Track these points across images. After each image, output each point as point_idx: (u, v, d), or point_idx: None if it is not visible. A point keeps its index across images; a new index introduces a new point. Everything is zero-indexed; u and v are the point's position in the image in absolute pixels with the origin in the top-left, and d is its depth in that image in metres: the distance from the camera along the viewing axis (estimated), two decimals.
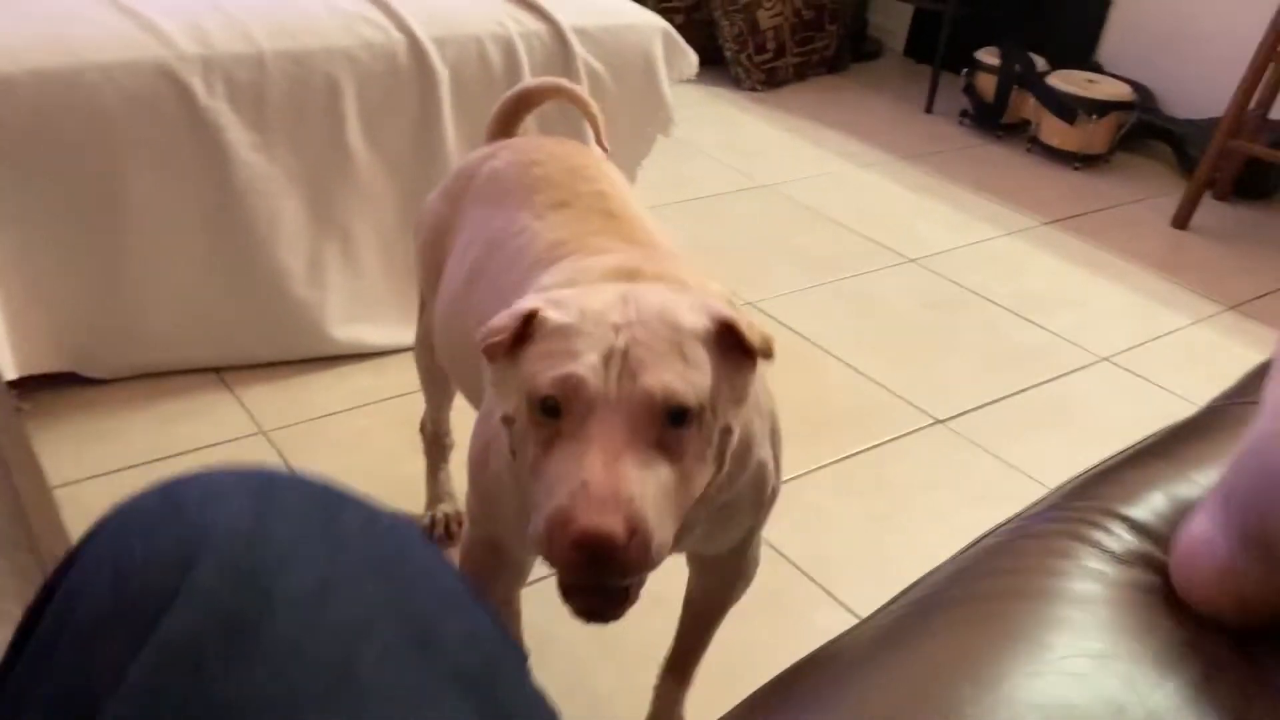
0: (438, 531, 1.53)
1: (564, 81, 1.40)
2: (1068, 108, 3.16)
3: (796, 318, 2.21)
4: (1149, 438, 0.96)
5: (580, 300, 0.78)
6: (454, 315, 1.18)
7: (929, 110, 3.56)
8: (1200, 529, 0.72)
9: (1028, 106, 3.30)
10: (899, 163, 3.12)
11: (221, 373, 1.82)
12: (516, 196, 1.18)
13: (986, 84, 3.36)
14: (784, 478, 1.03)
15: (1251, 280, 2.62)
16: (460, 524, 1.55)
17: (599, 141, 1.36)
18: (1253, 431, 0.71)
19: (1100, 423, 1.98)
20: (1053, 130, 3.22)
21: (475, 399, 1.19)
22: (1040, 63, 3.34)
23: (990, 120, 3.38)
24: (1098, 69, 3.51)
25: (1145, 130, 3.33)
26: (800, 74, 3.73)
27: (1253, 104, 2.81)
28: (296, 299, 1.81)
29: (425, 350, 1.42)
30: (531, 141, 1.28)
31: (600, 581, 0.73)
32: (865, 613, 0.77)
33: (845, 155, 3.13)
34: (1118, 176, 3.21)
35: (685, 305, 0.79)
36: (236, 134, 1.68)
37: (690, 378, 0.75)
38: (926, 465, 1.81)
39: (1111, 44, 3.54)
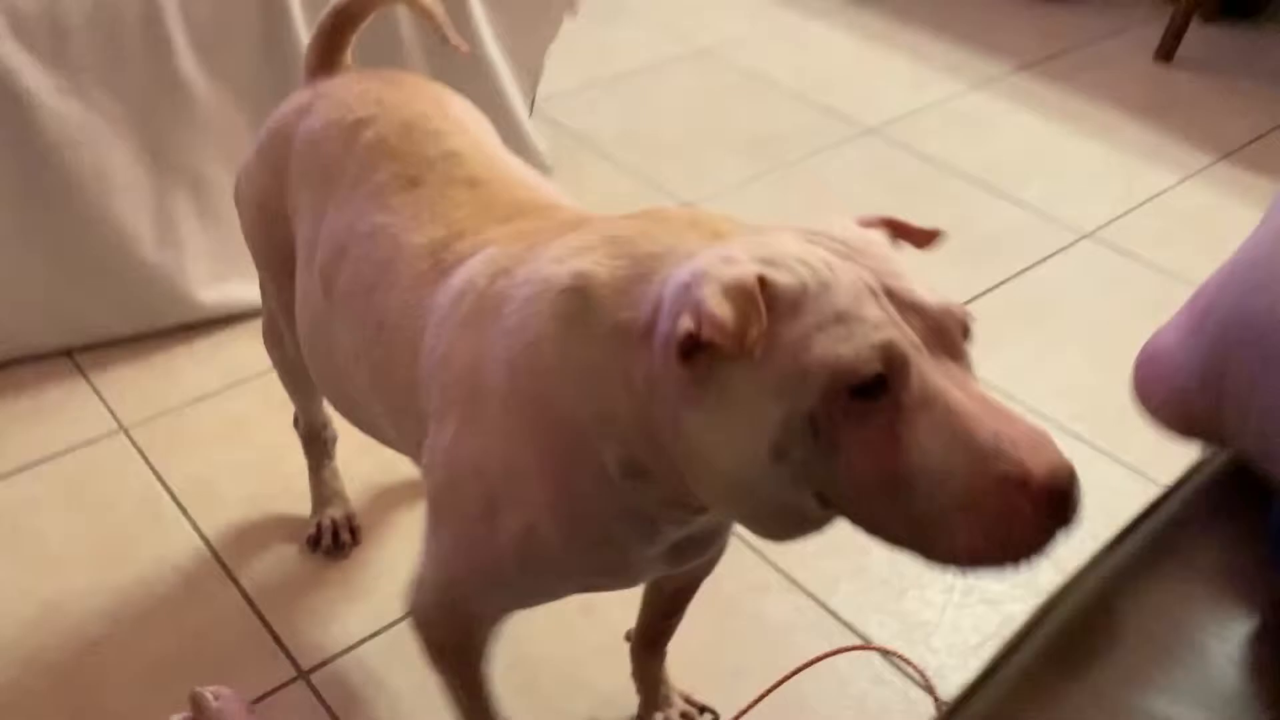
0: (324, 542, 1.31)
1: None
2: None
3: (744, 216, 1.95)
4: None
5: (775, 251, 0.63)
6: (320, 339, 0.96)
7: None
8: (1169, 339, 0.71)
9: None
10: (849, 8, 2.78)
11: (75, 356, 1.57)
12: (349, 177, 0.93)
13: None
14: None
15: (1244, 122, 2.35)
16: (353, 528, 1.34)
17: (446, 39, 1.08)
18: (1251, 245, 0.68)
19: (1083, 316, 1.75)
20: None
21: (373, 429, 0.98)
22: None
23: None
24: None
25: None
26: None
27: None
28: (146, 262, 1.54)
29: (277, 344, 1.18)
30: (351, 84, 1.00)
31: (1066, 524, 0.58)
32: None
33: (790, 3, 2.79)
34: (1092, 4, 2.89)
35: (843, 224, 0.67)
36: (34, 78, 1.37)
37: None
38: None
39: None
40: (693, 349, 0.60)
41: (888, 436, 0.59)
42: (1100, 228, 1.98)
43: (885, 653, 1.22)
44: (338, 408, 1.03)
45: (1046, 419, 1.54)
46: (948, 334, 0.62)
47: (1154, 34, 2.65)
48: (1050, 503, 0.56)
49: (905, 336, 0.60)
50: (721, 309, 0.58)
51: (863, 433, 0.59)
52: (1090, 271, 1.87)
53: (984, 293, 1.80)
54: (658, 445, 0.67)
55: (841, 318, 0.59)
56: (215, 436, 1.46)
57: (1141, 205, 2.05)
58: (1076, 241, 1.95)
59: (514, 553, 0.76)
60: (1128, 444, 1.50)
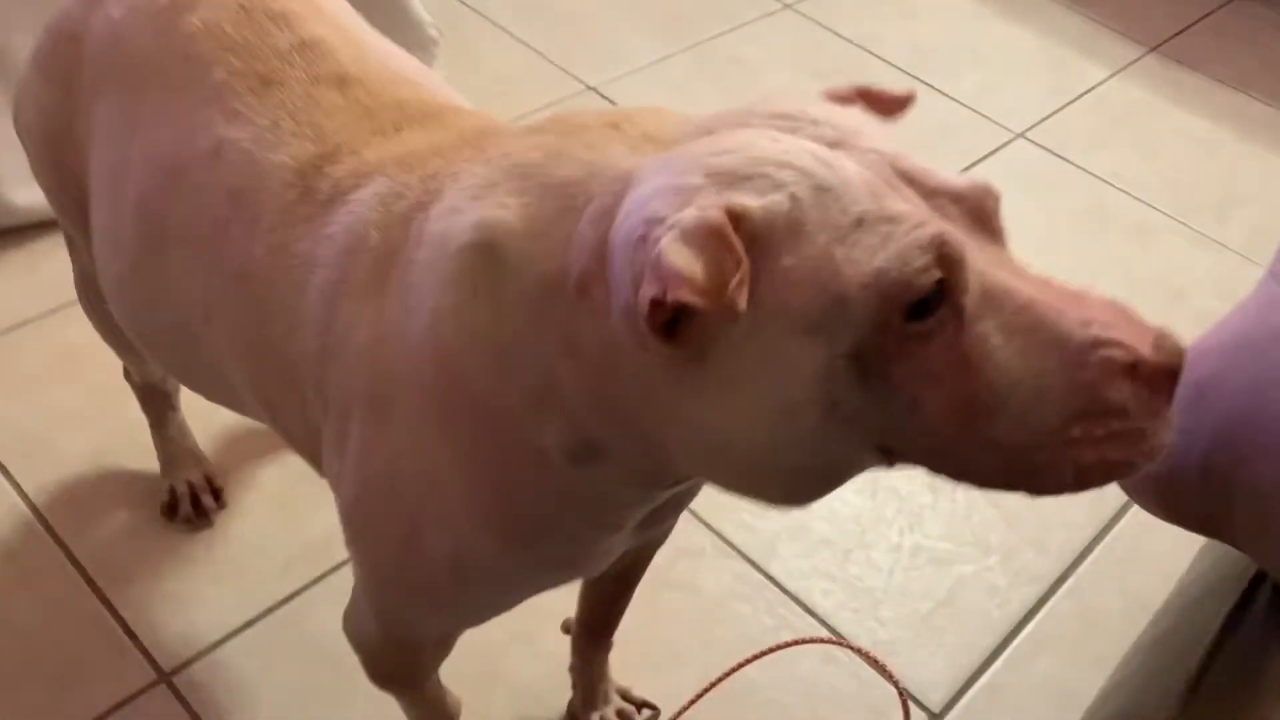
0: (184, 509, 1.10)
1: None
2: None
3: (653, 100, 1.74)
4: None
5: (741, 160, 0.48)
6: (141, 294, 0.75)
7: None
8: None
9: None
10: None
11: None
12: (170, 78, 0.71)
13: None
14: None
15: (1171, 9, 2.24)
16: (215, 489, 1.13)
17: None
18: (1254, 315, 0.58)
19: (1020, 227, 1.63)
20: None
21: (236, 405, 0.78)
22: None
23: None
24: None
25: None
26: None
27: None
28: None
29: (95, 305, 0.94)
30: None
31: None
32: None
33: None
34: None
35: (816, 102, 0.55)
36: None
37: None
38: None
39: None
40: (671, 320, 0.46)
41: (955, 357, 0.47)
42: (1033, 126, 1.85)
43: (841, 645, 1.10)
44: (181, 379, 0.83)
45: None
46: (987, 216, 0.51)
47: None
48: (1170, 379, 0.47)
49: (954, 228, 0.48)
50: (687, 263, 0.44)
51: (924, 361, 0.47)
52: (1024, 175, 1.75)
53: None
54: (620, 420, 0.53)
55: (864, 222, 0.47)
56: (41, 373, 1.22)
57: (1075, 101, 1.93)
58: (1011, 141, 1.81)
59: (450, 575, 0.63)
60: None
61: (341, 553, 0.81)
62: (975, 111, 1.86)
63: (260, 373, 0.69)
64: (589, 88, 1.75)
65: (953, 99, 1.88)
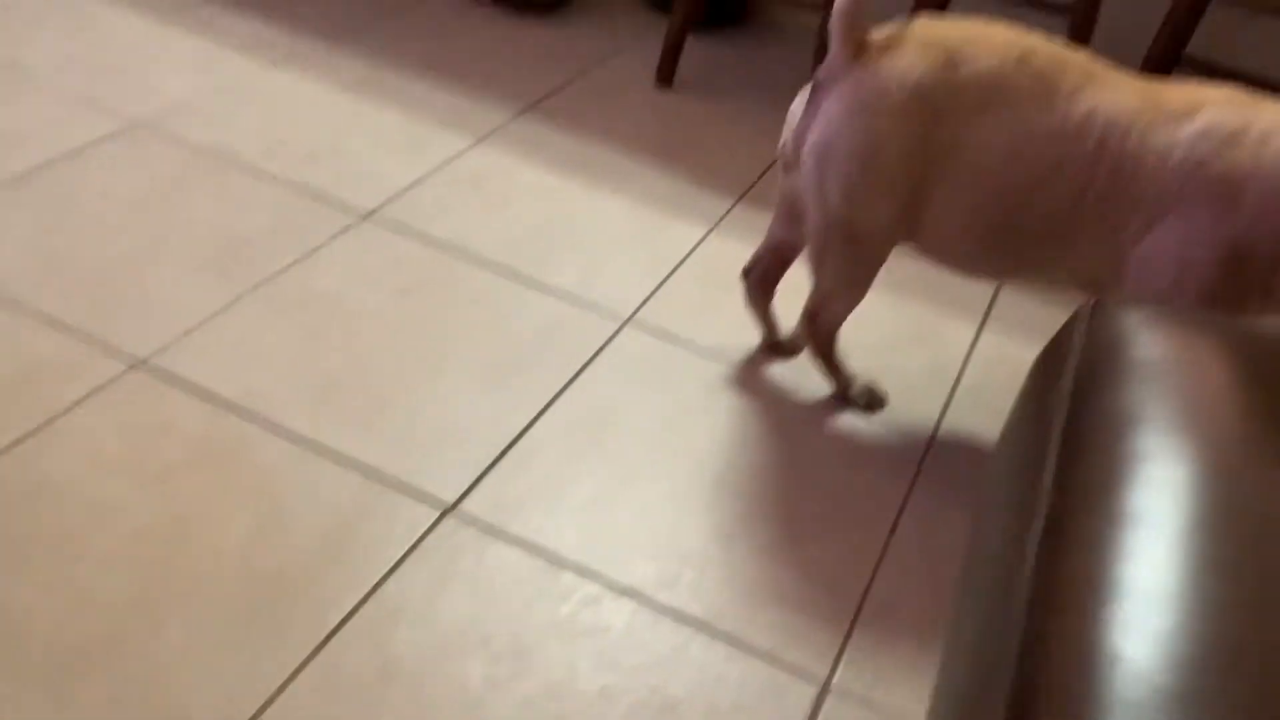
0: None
1: None
2: None
3: (228, 358, 1.52)
4: None
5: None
6: (1007, 212, 1.37)
7: None
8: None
9: None
10: (324, 48, 2.37)
11: None
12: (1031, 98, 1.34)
13: None
14: None
15: (750, 151, 2.29)
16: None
17: None
18: None
19: (639, 419, 1.55)
20: None
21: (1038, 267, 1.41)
22: None
23: None
24: None
25: None
26: None
27: None
28: None
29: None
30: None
31: None
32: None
33: (249, 48, 2.32)
34: (588, 21, 2.71)
35: None
36: None
37: None
38: None
39: None
40: None
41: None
42: (639, 307, 1.79)
43: None
44: (1004, 268, 1.42)
45: (637, 595, 1.31)
46: None
47: (651, 48, 2.53)
48: None
49: None
50: None
51: None
52: (640, 365, 1.67)
53: (542, 412, 1.53)
54: None
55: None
56: None
57: (676, 272, 1.89)
58: (620, 330, 1.74)
59: None
60: (757, 630, 1.31)
61: None
62: (581, 303, 1.77)
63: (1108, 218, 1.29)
64: (138, 362, 1.50)
65: (555, 292, 1.78)
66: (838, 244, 1.45)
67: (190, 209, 1.82)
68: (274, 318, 1.62)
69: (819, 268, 1.50)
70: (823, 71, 1.37)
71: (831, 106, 1.35)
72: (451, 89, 2.31)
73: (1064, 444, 0.78)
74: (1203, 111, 1.26)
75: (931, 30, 1.35)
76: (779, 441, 1.57)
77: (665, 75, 2.46)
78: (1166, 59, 2.14)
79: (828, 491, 1.50)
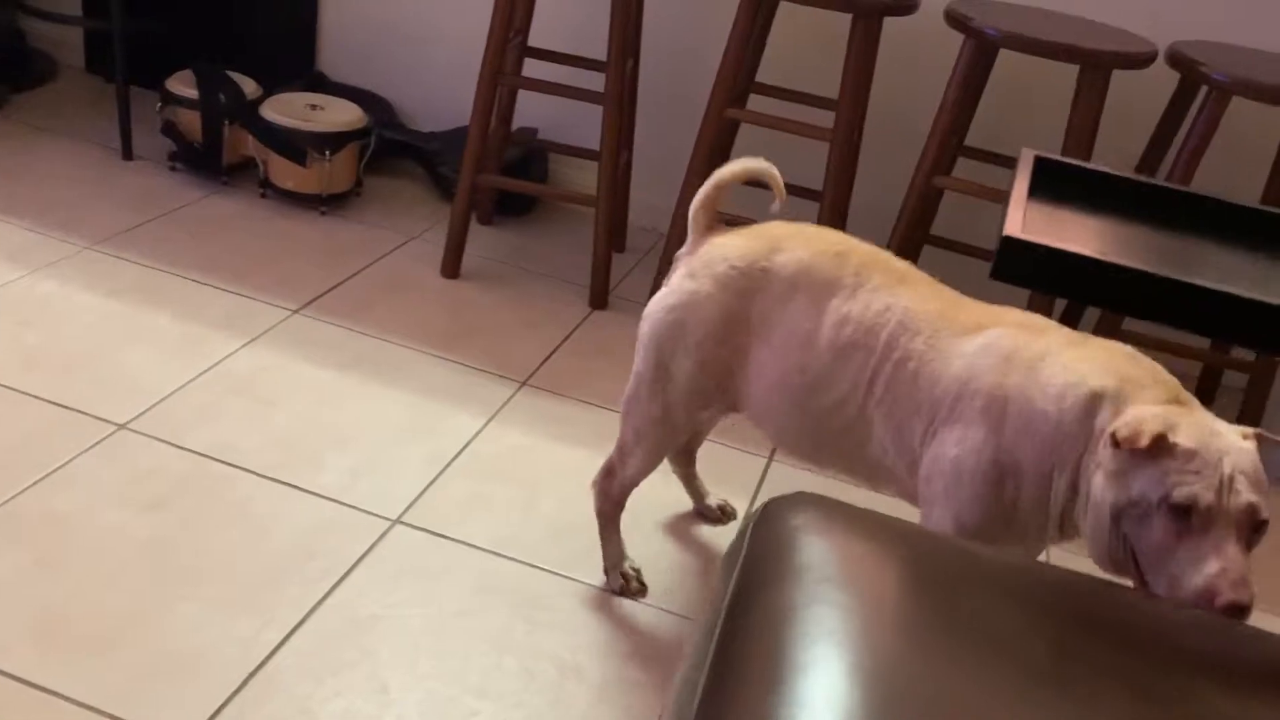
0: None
1: None
2: (294, 147, 2.60)
3: None
4: None
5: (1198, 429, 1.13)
6: (804, 398, 1.44)
7: (128, 156, 2.77)
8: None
9: (249, 143, 2.68)
10: (94, 253, 2.33)
11: None
12: (838, 287, 1.45)
13: (190, 121, 2.67)
14: None
15: (535, 336, 2.34)
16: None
17: None
18: None
19: (413, 629, 1.50)
20: (285, 172, 2.65)
21: (847, 463, 1.46)
22: (251, 86, 2.73)
23: (207, 164, 2.70)
24: (321, 83, 3.00)
25: (393, 148, 2.92)
26: None
27: (493, 122, 2.50)
28: None
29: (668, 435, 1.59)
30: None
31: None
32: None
33: (11, 255, 2.26)
34: (374, 213, 2.76)
35: (1237, 434, 1.14)
36: None
37: (1267, 498, 1.10)
38: None
39: (332, 52, 3.05)
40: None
41: (1177, 535, 1.12)
42: (411, 504, 1.77)
43: None
44: (808, 456, 1.49)
45: None
46: (1244, 517, 1.11)
47: (439, 239, 2.58)
48: (1223, 610, 1.04)
49: (1219, 503, 1.11)
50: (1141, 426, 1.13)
51: (1169, 526, 1.12)
52: (407, 561, 1.63)
53: (295, 629, 1.46)
54: None
55: (1194, 473, 1.14)
56: None
57: (451, 466, 1.88)
58: (389, 530, 1.70)
59: None
60: None
61: None
62: (348, 505, 1.74)
63: (894, 413, 1.35)
64: None
65: (322, 495, 1.74)
66: (645, 397, 1.53)
67: None
68: (3, 545, 1.53)
69: (625, 420, 1.58)
70: (681, 250, 1.54)
71: (674, 275, 1.51)
72: (231, 289, 2.29)
73: (719, 646, 0.79)
74: (989, 330, 1.30)
75: (775, 226, 1.49)
76: (547, 637, 1.55)
77: (451, 267, 2.51)
78: (912, 241, 2.32)
79: (598, 689, 1.47)
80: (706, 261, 1.46)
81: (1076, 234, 0.99)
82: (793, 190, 2.45)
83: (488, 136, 2.48)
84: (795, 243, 1.44)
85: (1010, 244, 0.89)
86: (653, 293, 2.42)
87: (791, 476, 2.02)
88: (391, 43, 2.99)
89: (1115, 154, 2.42)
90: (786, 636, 0.76)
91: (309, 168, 2.61)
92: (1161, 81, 2.30)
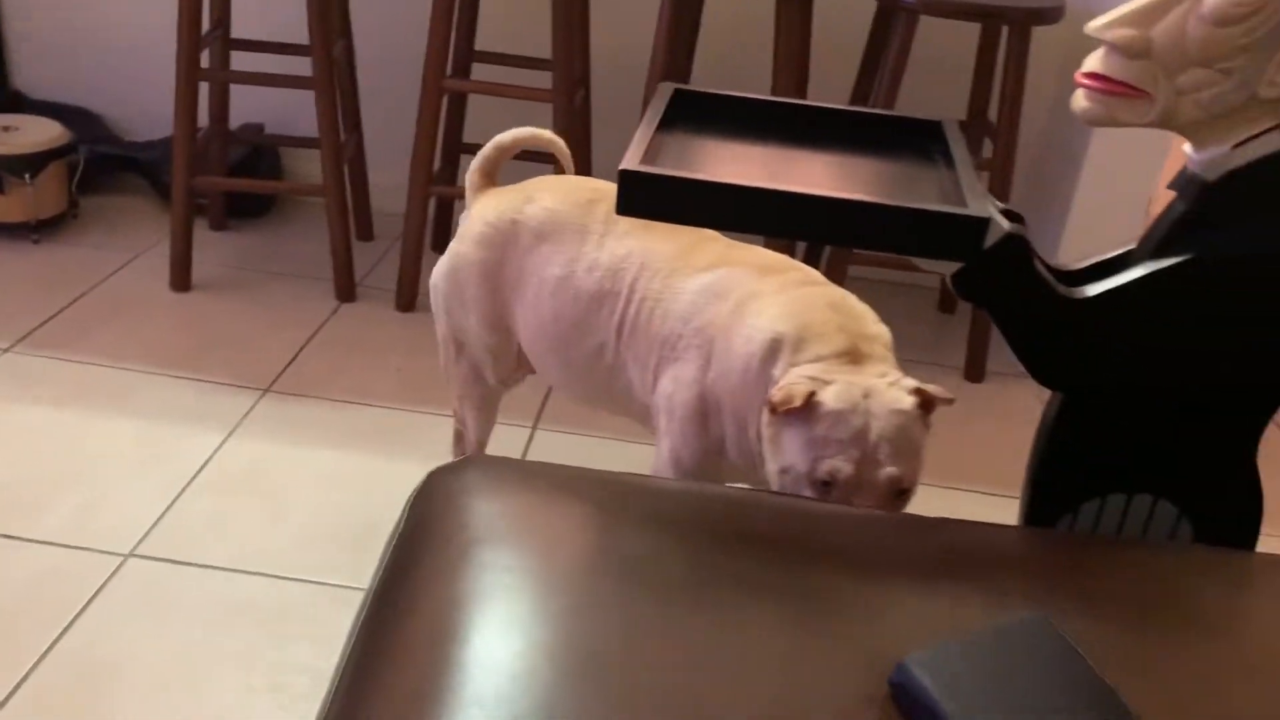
0: None
1: None
2: None
3: None
4: None
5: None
6: (564, 344, 1.45)
7: None
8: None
9: None
10: None
11: None
12: (585, 233, 1.44)
13: None
14: None
15: (277, 340, 2.24)
16: None
17: None
18: None
19: (147, 689, 1.42)
20: None
21: (605, 397, 1.47)
22: None
23: None
24: (19, 102, 2.78)
25: (109, 162, 2.74)
26: None
27: (206, 122, 2.38)
28: None
29: (471, 384, 1.62)
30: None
31: None
32: None
33: None
34: (96, 234, 2.58)
35: (900, 390, 1.13)
36: None
37: (916, 461, 1.12)
38: None
39: (26, 68, 2.83)
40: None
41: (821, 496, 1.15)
42: (145, 535, 1.67)
43: None
44: (578, 394, 1.49)
45: None
46: (883, 487, 1.14)
47: (167, 253, 2.44)
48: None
49: (856, 475, 1.14)
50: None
51: (815, 491, 1.15)
52: (143, 595, 1.54)
53: (15, 688, 1.36)
54: None
55: (836, 443, 1.14)
56: None
57: (189, 486, 1.79)
58: (122, 565, 1.60)
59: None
60: None
61: None
62: (73, 546, 1.62)
63: (639, 354, 1.35)
64: None
65: (44, 542, 1.62)
66: (452, 359, 1.59)
67: None
68: None
69: (449, 386, 1.64)
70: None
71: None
72: None
73: (364, 629, 0.77)
74: (718, 269, 1.30)
75: (538, 180, 1.49)
76: (298, 649, 1.49)
77: (180, 279, 2.37)
78: None
79: None
80: (470, 223, 1.49)
81: (707, 162, 1.00)
82: (532, 156, 2.43)
83: (201, 137, 2.35)
84: (547, 194, 1.45)
85: (626, 176, 0.89)
86: (401, 276, 2.36)
87: None
88: (90, 51, 2.79)
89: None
90: (442, 601, 0.75)
91: (9, 194, 2.42)
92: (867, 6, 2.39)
